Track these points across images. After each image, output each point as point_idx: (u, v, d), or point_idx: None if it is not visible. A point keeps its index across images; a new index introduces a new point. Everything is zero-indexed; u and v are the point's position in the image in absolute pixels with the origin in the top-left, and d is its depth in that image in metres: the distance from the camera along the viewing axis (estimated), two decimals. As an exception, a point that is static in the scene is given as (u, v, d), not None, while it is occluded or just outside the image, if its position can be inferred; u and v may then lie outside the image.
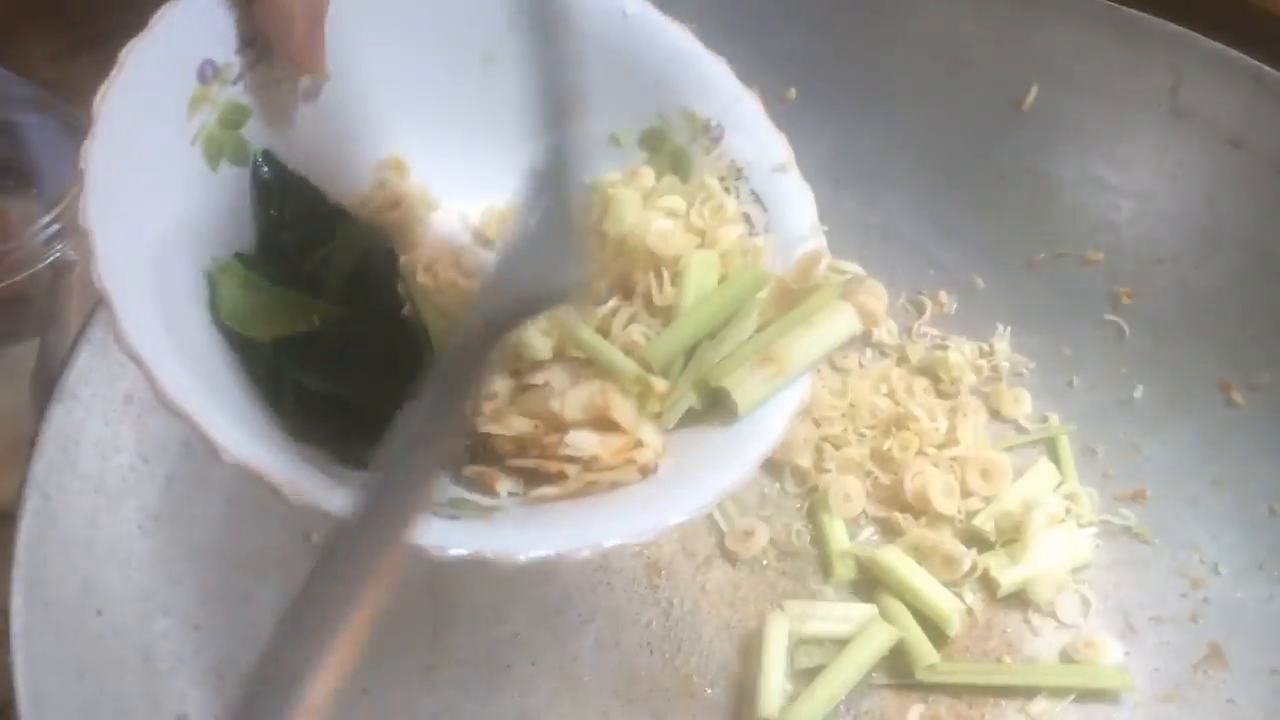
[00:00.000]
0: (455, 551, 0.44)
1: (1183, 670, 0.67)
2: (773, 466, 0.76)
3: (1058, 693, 0.67)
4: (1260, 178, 0.73)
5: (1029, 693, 0.67)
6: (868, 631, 0.67)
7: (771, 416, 0.53)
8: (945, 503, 0.71)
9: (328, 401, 0.53)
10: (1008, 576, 0.69)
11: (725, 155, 0.60)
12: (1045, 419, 0.77)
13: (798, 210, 0.60)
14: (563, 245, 0.45)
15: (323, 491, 0.43)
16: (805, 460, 0.75)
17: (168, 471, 0.65)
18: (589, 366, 0.54)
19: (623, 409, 0.52)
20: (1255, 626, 0.67)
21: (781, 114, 0.82)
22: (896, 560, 0.69)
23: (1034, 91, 0.79)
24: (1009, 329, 0.81)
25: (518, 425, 0.52)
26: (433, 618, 0.71)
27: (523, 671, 0.69)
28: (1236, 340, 0.74)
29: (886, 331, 0.81)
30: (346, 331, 0.55)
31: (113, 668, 0.59)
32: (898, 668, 0.68)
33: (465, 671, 0.69)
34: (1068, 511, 0.73)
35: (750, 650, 0.68)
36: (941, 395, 0.77)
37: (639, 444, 0.52)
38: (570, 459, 0.51)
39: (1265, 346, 0.73)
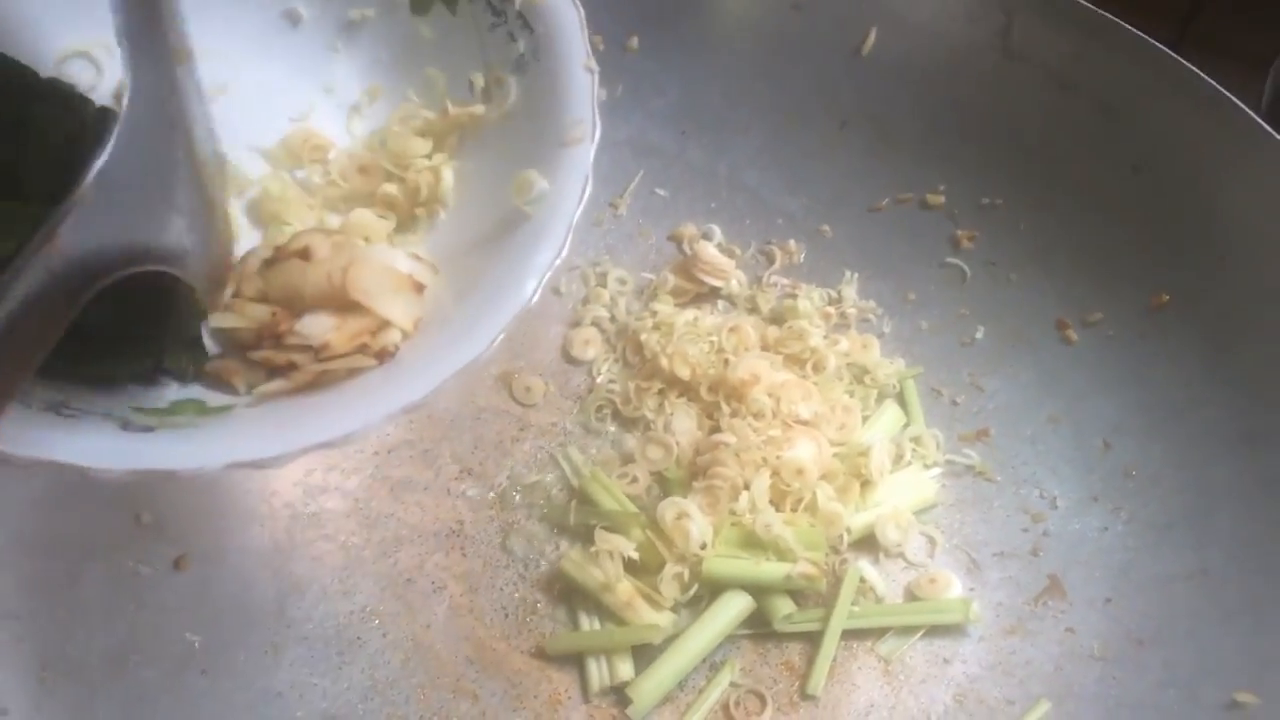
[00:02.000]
0: (113, 467, 0.42)
1: (1025, 603, 0.69)
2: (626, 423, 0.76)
3: (905, 631, 0.68)
4: (1090, 119, 0.74)
5: (878, 633, 0.68)
6: (724, 599, 0.67)
7: (516, 285, 0.50)
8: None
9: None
10: (855, 521, 0.70)
11: None
12: (893, 363, 0.78)
13: (567, 37, 0.54)
14: (180, 196, 0.43)
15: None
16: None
17: (-22, 456, 0.61)
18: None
19: (370, 283, 0.49)
20: (1090, 557, 0.69)
21: (625, 63, 0.82)
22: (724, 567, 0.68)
23: (873, 36, 0.79)
24: (856, 275, 0.81)
25: (255, 312, 0.49)
26: (277, 594, 0.69)
27: (373, 644, 0.68)
28: (1070, 280, 0.76)
29: (737, 282, 0.81)
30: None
31: (-82, 666, 0.56)
32: (755, 617, 0.68)
33: (313, 648, 0.67)
34: (913, 453, 0.74)
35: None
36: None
37: (383, 325, 0.49)
38: (301, 348, 0.48)
39: (1097, 285, 0.75)
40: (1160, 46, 0.72)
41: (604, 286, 0.81)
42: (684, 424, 0.74)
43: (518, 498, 0.73)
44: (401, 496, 0.73)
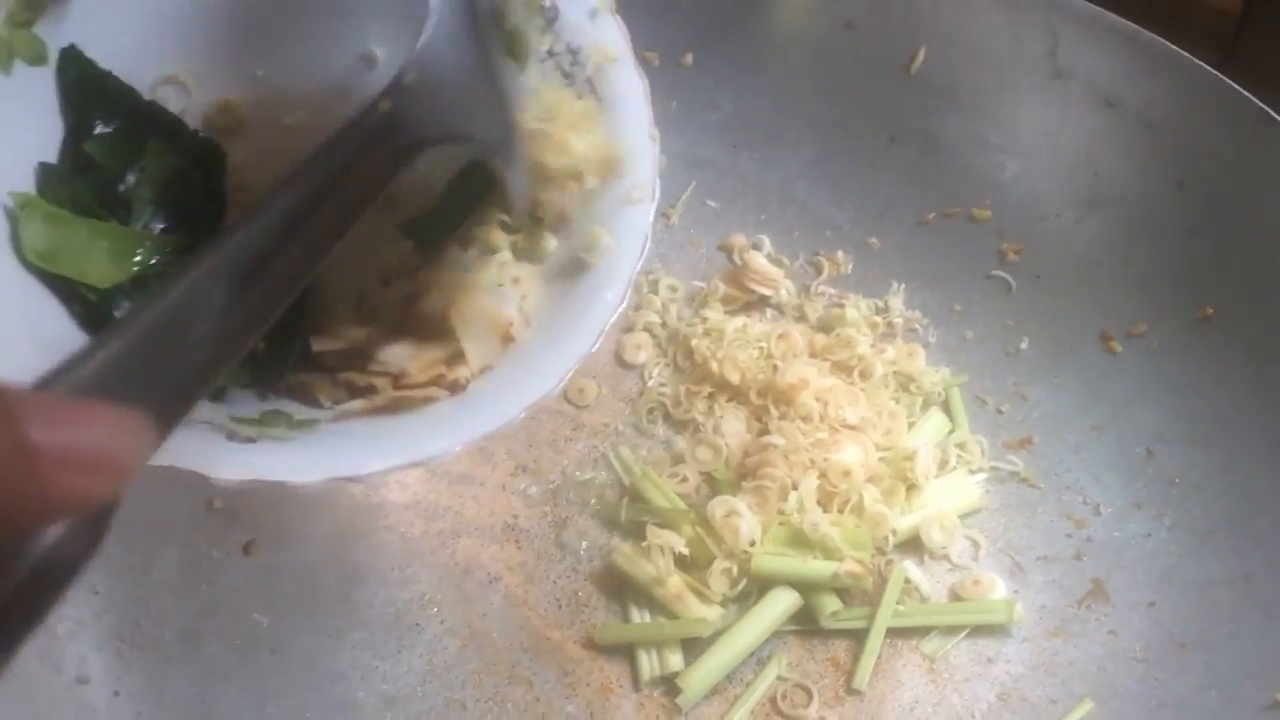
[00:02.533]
0: (231, 477, 0.43)
1: (1068, 606, 0.70)
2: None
3: (949, 630, 0.70)
4: (1134, 135, 0.76)
5: (923, 632, 0.70)
6: (772, 595, 0.69)
7: (582, 332, 0.52)
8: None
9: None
10: (900, 523, 0.72)
11: (560, 37, 0.57)
12: (938, 372, 0.79)
13: (633, 105, 0.57)
14: (482, 82, 0.45)
15: None
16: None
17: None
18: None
19: (472, 319, 0.52)
20: (1134, 562, 0.71)
21: (680, 78, 0.84)
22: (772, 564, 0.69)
23: (922, 54, 0.81)
24: (903, 286, 0.83)
25: (354, 335, 0.52)
26: (340, 582, 0.71)
27: (431, 630, 0.70)
28: (1115, 291, 0.78)
29: (785, 292, 0.83)
30: (167, 258, 0.51)
31: (9, 633, 0.59)
32: (802, 614, 0.70)
33: (373, 632, 0.69)
34: (958, 459, 0.76)
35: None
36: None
37: (456, 357, 0.52)
38: (381, 373, 0.51)
39: (1142, 297, 0.77)
40: (1205, 66, 0.73)
41: (656, 293, 0.84)
42: (733, 427, 0.76)
43: (571, 494, 0.75)
44: (459, 491, 0.75)
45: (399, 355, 0.52)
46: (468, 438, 0.48)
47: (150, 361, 0.35)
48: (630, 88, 0.57)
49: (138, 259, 0.50)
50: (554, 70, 0.57)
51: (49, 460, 0.27)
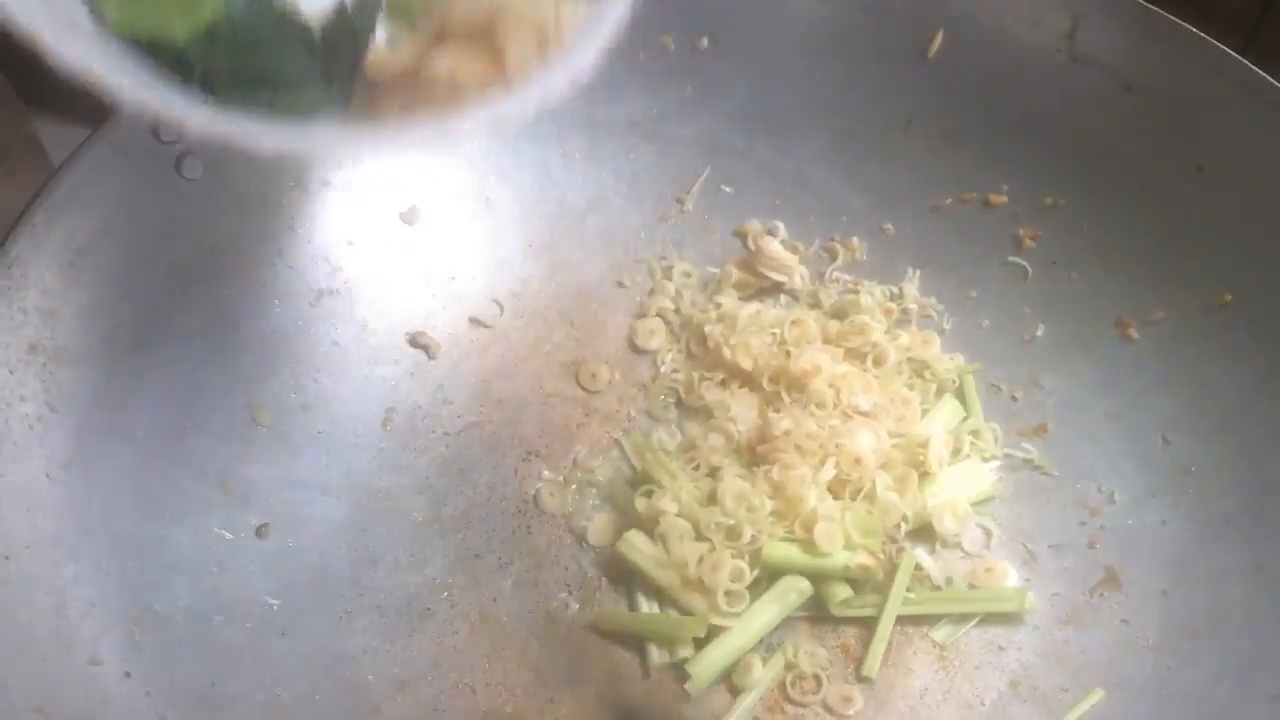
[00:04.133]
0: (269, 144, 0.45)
1: (1080, 594, 0.70)
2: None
3: (960, 618, 0.69)
4: (1152, 120, 0.75)
5: (933, 620, 0.70)
6: (782, 583, 0.69)
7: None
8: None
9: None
10: (912, 509, 0.71)
11: None
12: (952, 358, 0.79)
13: None
14: None
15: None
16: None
17: (77, 422, 0.65)
18: None
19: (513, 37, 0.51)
20: (1149, 551, 0.70)
21: (695, 64, 0.84)
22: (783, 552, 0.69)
23: (939, 38, 0.80)
24: (918, 273, 0.83)
25: (400, 57, 0.51)
26: (351, 564, 0.72)
27: (441, 614, 0.70)
28: (1132, 278, 0.77)
29: (800, 278, 0.83)
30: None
31: (21, 612, 0.59)
32: (812, 601, 0.70)
33: (384, 615, 0.70)
34: (971, 446, 0.75)
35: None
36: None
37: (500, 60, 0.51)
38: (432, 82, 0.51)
39: (1159, 284, 0.76)
40: (1226, 49, 0.72)
41: (669, 279, 0.84)
42: (745, 413, 0.76)
43: (582, 480, 0.76)
44: (470, 476, 0.75)
45: (445, 62, 0.51)
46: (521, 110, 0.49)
47: None
48: None
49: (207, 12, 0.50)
50: None
51: None
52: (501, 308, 0.82)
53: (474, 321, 0.81)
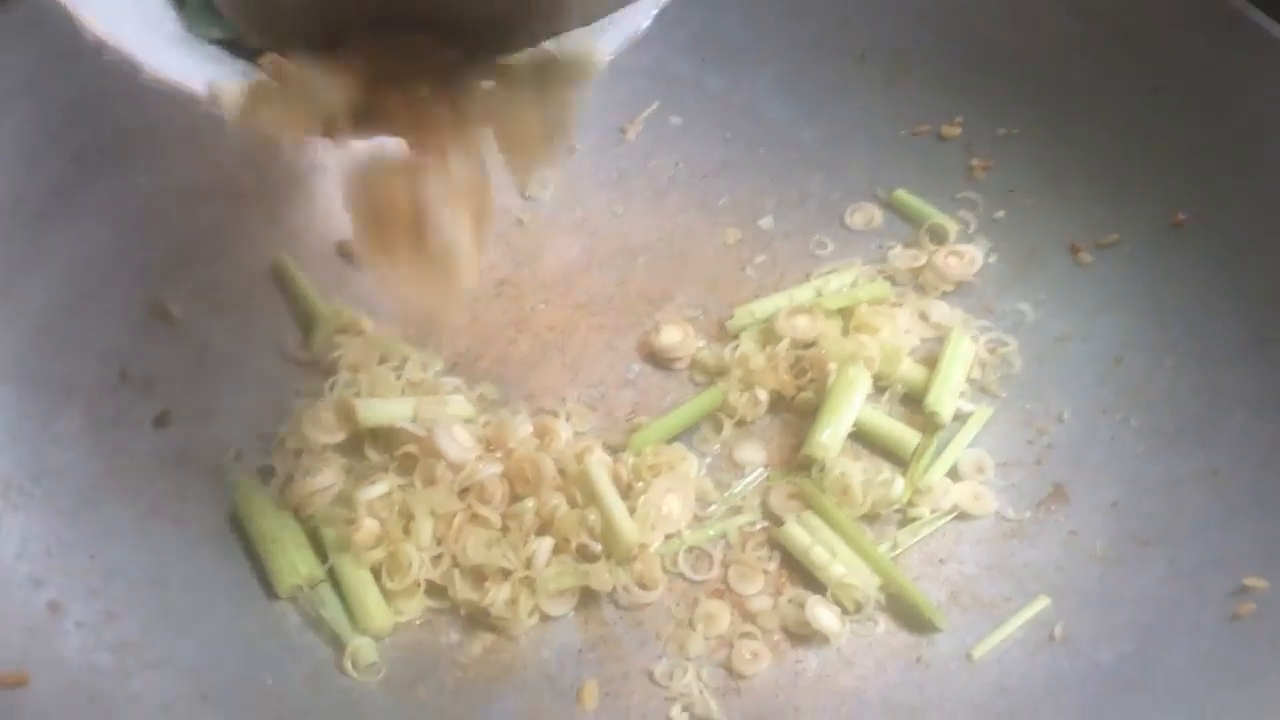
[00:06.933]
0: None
1: (1027, 508, 0.66)
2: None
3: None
4: (1107, 45, 0.74)
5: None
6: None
7: None
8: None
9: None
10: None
11: None
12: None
13: None
14: None
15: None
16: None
17: None
18: None
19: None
20: (1098, 465, 0.67)
21: (647, -8, 0.82)
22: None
23: (893, -33, 0.79)
24: (872, 206, 0.80)
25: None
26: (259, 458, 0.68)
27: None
28: (1086, 202, 0.75)
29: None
30: None
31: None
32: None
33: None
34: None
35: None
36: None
37: None
38: None
39: (1114, 207, 0.74)
40: (1178, -32, 0.71)
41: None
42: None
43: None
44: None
45: None
46: None
47: None
48: None
49: None
50: None
51: None
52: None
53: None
